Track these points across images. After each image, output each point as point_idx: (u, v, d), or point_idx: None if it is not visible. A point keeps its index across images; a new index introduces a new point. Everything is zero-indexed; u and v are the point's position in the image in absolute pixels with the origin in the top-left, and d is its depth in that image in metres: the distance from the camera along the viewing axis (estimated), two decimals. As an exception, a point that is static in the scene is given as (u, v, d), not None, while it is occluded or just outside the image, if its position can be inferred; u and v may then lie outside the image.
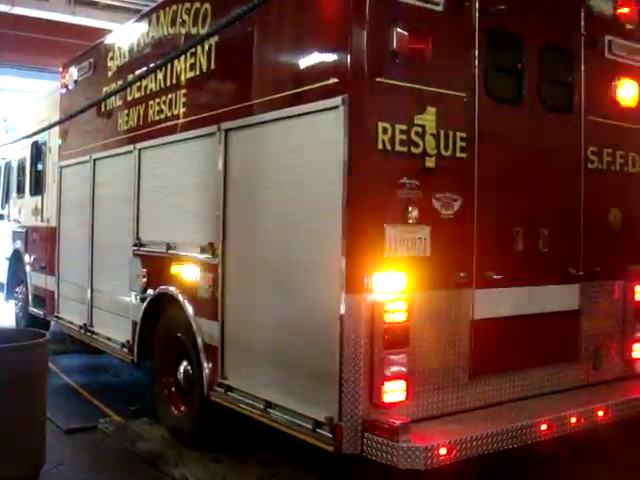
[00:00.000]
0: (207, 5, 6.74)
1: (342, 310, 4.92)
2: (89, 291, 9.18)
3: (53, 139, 10.74)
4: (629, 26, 6.64)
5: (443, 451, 4.72)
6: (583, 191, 6.30)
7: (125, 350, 8.07)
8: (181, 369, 7.16)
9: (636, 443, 6.66)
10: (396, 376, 4.95)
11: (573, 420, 5.52)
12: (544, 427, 5.32)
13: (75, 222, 9.73)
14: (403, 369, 4.97)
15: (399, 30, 5.01)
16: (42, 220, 11.15)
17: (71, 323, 9.77)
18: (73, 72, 10.01)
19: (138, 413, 7.93)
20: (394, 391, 4.94)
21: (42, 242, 11.23)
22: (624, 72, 6.58)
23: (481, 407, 5.55)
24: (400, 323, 4.95)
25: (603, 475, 6.25)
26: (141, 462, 6.66)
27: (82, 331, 9.32)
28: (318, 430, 5.09)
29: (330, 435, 4.97)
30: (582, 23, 6.29)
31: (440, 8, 5.31)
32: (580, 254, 6.27)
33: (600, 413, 5.74)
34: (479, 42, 5.56)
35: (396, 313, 4.93)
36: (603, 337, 6.46)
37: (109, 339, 8.56)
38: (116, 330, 8.37)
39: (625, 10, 6.57)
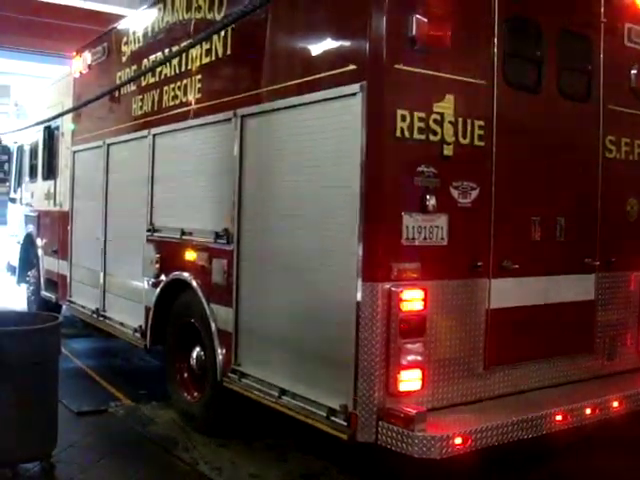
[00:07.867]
0: (223, -10, 6.70)
1: (359, 297, 4.90)
2: (102, 276, 9.19)
3: (66, 124, 10.71)
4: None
5: (458, 440, 4.71)
6: (600, 180, 6.23)
7: (138, 335, 8.09)
8: (194, 355, 7.18)
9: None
10: (412, 365, 4.91)
11: (588, 411, 5.49)
12: (559, 417, 5.30)
13: (88, 207, 9.73)
14: (419, 358, 4.94)
15: (418, 16, 4.93)
16: (55, 204, 11.14)
17: (83, 307, 9.80)
18: (87, 57, 9.99)
19: (148, 397, 7.98)
20: (410, 380, 4.91)
21: (54, 226, 11.22)
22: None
23: (496, 397, 5.52)
24: (417, 312, 4.92)
25: (619, 465, 6.21)
26: (151, 445, 6.69)
27: (95, 316, 9.35)
28: (332, 418, 5.08)
29: (345, 423, 4.96)
30: (602, 10, 6.22)
31: (460, -6, 5.24)
32: (596, 244, 6.21)
33: (615, 404, 5.71)
34: (498, 29, 5.47)
35: (413, 302, 4.89)
36: (618, 327, 6.41)
37: (122, 324, 8.58)
38: (129, 315, 8.38)
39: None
